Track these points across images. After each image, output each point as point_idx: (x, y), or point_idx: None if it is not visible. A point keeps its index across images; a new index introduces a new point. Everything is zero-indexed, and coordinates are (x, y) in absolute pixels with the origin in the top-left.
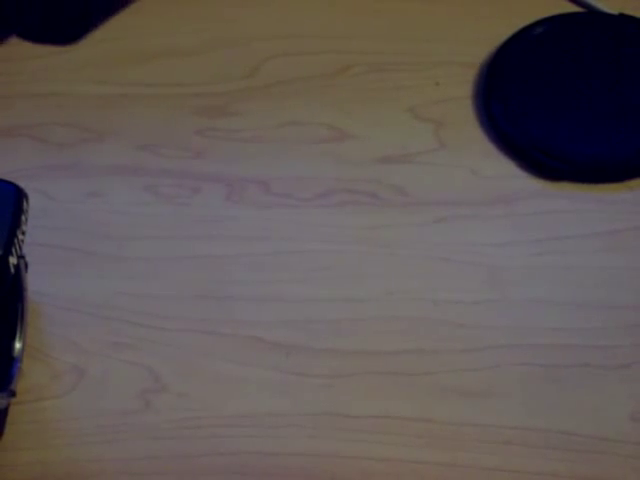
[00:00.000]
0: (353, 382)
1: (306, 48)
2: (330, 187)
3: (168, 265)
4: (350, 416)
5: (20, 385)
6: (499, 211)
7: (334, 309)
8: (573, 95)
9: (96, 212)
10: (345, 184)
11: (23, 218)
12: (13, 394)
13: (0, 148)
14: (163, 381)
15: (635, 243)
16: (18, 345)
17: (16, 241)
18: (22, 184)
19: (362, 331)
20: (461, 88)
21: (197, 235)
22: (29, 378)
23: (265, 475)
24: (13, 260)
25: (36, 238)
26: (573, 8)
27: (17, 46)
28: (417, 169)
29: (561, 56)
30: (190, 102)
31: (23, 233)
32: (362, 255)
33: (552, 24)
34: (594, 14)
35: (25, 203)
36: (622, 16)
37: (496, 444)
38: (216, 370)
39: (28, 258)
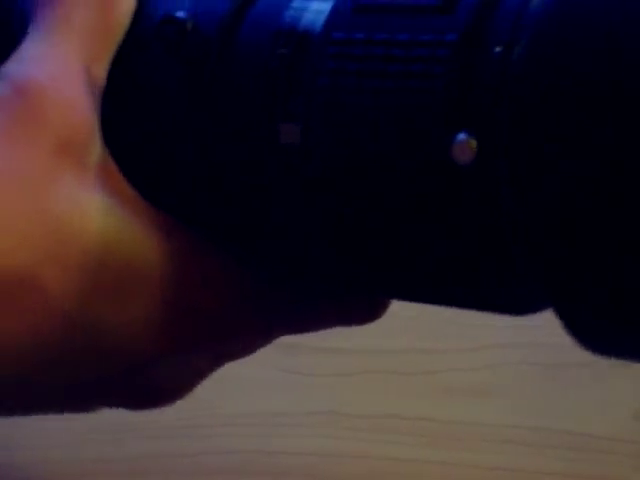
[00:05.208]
0: (355, 381)
1: None
2: None
3: None
4: (352, 415)
5: None
6: None
7: None
8: None
9: None
10: None
11: None
12: None
13: None
14: None
15: None
16: None
17: None
18: None
19: (363, 330)
20: None
21: None
22: None
23: (267, 474)
24: None
25: None
26: None
27: None
28: None
29: None
30: None
31: None
32: None
33: None
34: None
35: None
36: None
37: (497, 443)
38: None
39: None
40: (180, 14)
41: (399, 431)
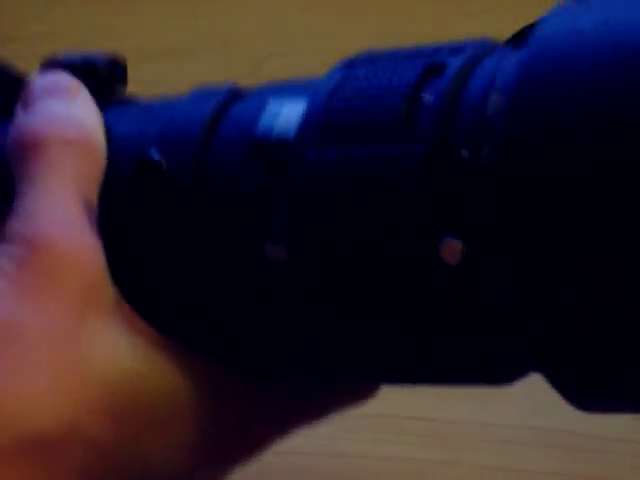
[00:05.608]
0: None
1: (306, 48)
2: None
3: None
4: (351, 415)
5: None
6: None
7: None
8: None
9: None
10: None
11: None
12: None
13: None
14: None
15: None
16: None
17: None
18: None
19: None
20: None
21: None
22: None
23: (267, 473)
24: None
25: None
26: None
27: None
28: None
29: None
30: None
31: None
32: None
33: None
34: None
35: None
36: None
37: (496, 443)
38: None
39: None
40: (154, 154)
41: (399, 431)
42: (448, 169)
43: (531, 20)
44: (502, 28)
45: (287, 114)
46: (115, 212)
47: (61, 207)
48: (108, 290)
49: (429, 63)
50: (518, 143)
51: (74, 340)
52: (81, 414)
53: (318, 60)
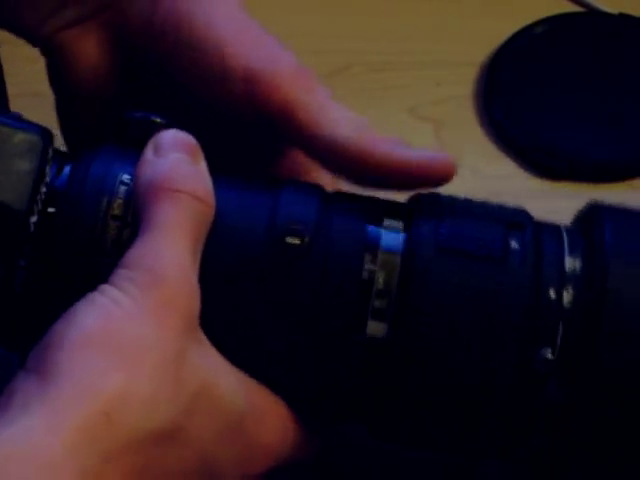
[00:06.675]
0: None
1: (306, 48)
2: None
3: None
4: None
5: None
6: None
7: None
8: (573, 94)
9: None
10: (345, 185)
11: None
12: None
13: None
14: None
15: None
16: None
17: (38, 197)
18: None
19: None
20: (461, 88)
21: None
22: None
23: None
24: (34, 219)
25: None
26: (573, 8)
27: (16, 47)
28: None
29: (561, 56)
30: None
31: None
32: None
33: (552, 24)
34: (594, 14)
35: (50, 152)
36: (622, 16)
37: None
38: None
39: None
40: (299, 227)
41: None
42: (540, 300)
43: (529, 21)
44: (502, 28)
45: (390, 231)
46: (224, 270)
47: (181, 254)
48: (197, 322)
49: (512, 222)
50: (592, 296)
51: (182, 356)
52: (185, 417)
53: (318, 60)
